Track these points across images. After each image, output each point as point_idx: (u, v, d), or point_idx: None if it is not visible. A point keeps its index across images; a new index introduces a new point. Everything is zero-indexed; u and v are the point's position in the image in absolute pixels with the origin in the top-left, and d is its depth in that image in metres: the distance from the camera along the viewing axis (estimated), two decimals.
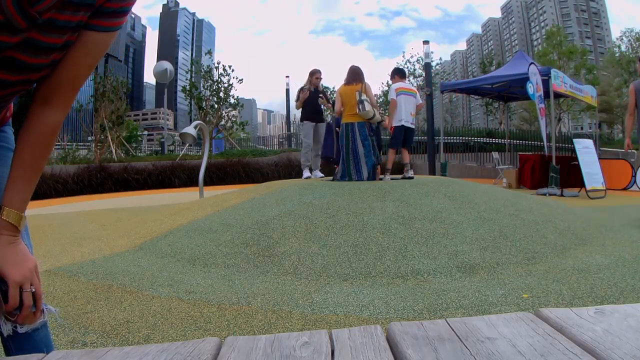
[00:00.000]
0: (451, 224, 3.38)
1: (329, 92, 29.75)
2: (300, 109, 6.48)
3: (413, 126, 5.62)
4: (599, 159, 8.49)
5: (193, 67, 26.66)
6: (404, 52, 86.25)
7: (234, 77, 20.17)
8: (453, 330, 0.57)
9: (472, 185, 4.89)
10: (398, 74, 5.83)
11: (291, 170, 13.03)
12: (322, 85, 6.46)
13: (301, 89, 6.37)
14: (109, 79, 19.65)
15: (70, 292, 2.49)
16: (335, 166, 5.53)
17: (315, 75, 6.34)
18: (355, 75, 4.94)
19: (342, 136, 4.86)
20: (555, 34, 23.67)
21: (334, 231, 3.24)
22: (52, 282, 2.69)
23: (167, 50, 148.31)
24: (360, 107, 4.66)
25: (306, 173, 6.40)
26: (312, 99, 6.25)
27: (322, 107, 6.52)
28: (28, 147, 0.78)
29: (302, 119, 6.49)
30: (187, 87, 21.17)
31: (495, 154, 11.72)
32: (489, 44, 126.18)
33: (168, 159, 14.69)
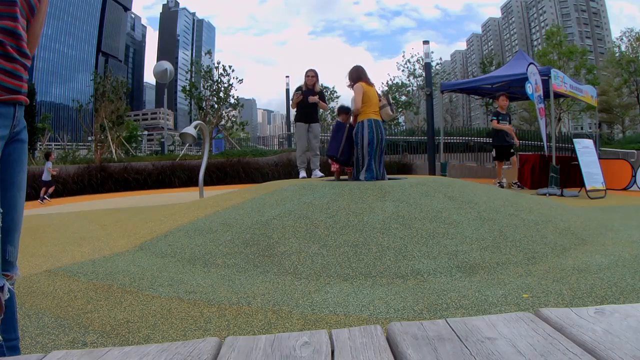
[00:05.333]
0: (451, 224, 3.38)
1: (328, 92, 29.71)
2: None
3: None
4: (599, 159, 8.48)
5: (193, 67, 26.65)
6: (403, 52, 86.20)
7: (233, 77, 20.20)
8: (453, 330, 0.57)
9: (472, 185, 4.89)
10: None
11: (291, 170, 13.02)
12: (321, 85, 6.43)
13: (296, 90, 6.35)
14: (109, 79, 19.67)
15: (70, 292, 2.49)
16: (335, 165, 5.40)
17: (306, 74, 6.29)
18: (368, 78, 5.01)
19: (371, 131, 4.71)
20: (555, 34, 23.62)
21: (334, 231, 3.24)
22: (52, 282, 2.69)
23: (167, 50, 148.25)
24: (395, 110, 4.99)
25: (302, 173, 6.39)
26: (305, 100, 6.19)
27: (317, 107, 6.44)
28: None
29: (295, 120, 6.46)
30: (187, 87, 21.17)
31: None
32: (489, 44, 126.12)
33: (168, 159, 14.68)
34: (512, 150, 6.84)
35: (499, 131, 6.80)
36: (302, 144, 6.41)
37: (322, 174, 6.40)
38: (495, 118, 7.03)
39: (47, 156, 10.35)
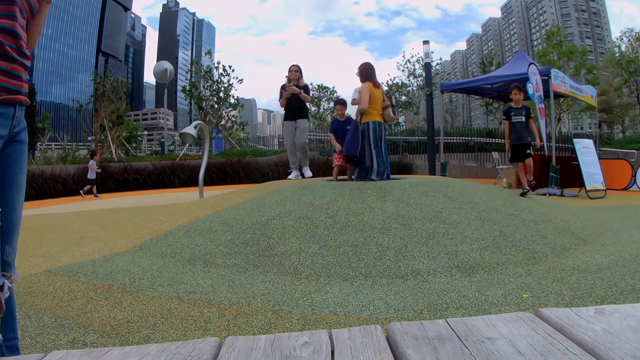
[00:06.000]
0: (451, 224, 3.38)
1: (328, 92, 29.67)
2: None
3: None
4: (599, 159, 8.49)
5: (193, 67, 26.68)
6: (403, 52, 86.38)
7: (233, 77, 20.21)
8: (453, 330, 0.57)
9: (472, 185, 4.89)
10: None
11: None
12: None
13: (281, 88, 6.24)
14: (109, 79, 19.67)
15: (70, 292, 2.49)
16: (338, 161, 5.33)
17: (289, 69, 6.17)
18: (376, 78, 5.04)
19: (375, 133, 4.82)
20: (555, 34, 23.61)
21: (334, 231, 3.23)
22: (52, 282, 2.69)
23: (167, 50, 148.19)
24: (397, 112, 4.96)
25: (293, 173, 6.23)
26: (291, 97, 6.08)
27: (304, 103, 6.29)
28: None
29: (283, 119, 6.37)
30: (187, 87, 21.19)
31: (495, 154, 11.73)
32: (489, 44, 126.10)
33: (168, 159, 14.68)
34: (527, 151, 6.19)
35: (515, 128, 6.32)
36: (289, 145, 6.35)
37: (310, 174, 6.31)
38: (505, 117, 6.54)
39: (92, 155, 10.81)
